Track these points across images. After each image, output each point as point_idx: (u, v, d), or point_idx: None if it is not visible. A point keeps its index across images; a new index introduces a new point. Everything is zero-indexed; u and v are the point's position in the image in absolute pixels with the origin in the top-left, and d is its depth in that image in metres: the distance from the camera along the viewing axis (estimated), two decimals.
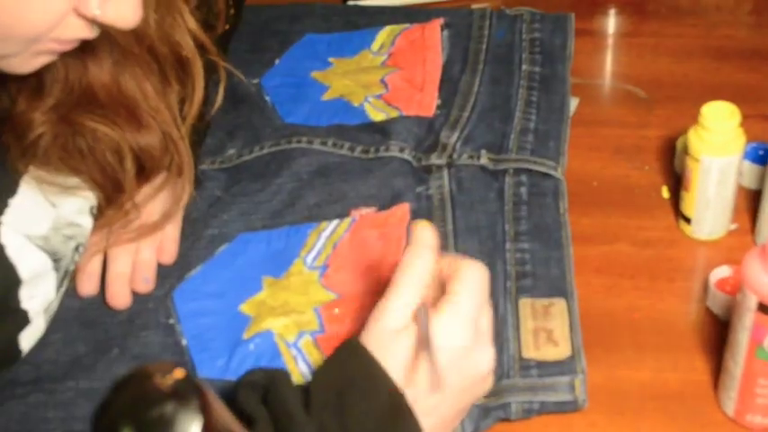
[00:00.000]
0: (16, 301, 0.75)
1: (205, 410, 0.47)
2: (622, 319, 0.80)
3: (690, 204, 0.85)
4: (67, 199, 0.80)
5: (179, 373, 0.48)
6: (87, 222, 0.82)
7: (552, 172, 0.92)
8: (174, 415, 0.46)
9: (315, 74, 1.07)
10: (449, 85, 1.03)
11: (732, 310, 0.70)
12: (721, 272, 0.81)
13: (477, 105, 1.01)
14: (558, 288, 0.81)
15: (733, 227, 0.87)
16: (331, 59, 1.09)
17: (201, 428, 0.46)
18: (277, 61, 1.09)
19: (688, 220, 0.86)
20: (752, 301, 0.66)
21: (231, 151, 0.97)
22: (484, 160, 0.93)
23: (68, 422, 0.75)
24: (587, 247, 0.86)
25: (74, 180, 0.81)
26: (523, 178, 0.92)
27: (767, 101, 0.98)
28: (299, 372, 0.76)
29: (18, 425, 0.75)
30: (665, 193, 0.91)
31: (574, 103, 1.02)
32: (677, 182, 0.89)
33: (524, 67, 1.05)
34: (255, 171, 0.95)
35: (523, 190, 0.91)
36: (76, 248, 0.81)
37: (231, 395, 0.65)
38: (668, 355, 0.77)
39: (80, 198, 0.81)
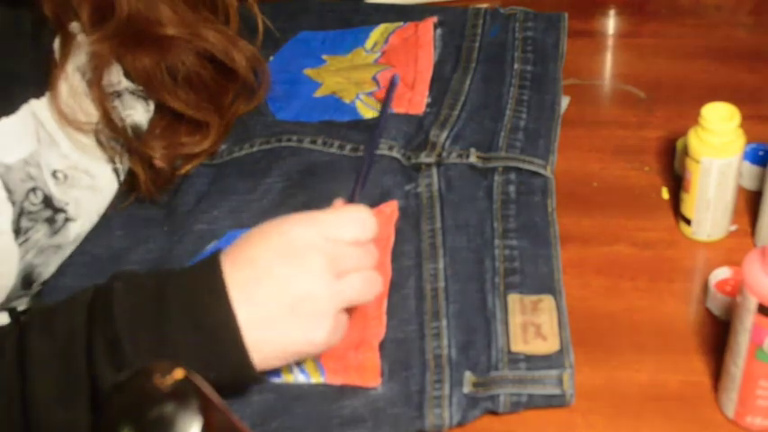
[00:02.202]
0: None
1: (205, 410, 0.47)
2: (622, 321, 0.80)
3: (690, 205, 0.85)
4: (86, 146, 0.85)
5: (179, 374, 0.48)
6: (95, 172, 0.87)
7: (541, 170, 0.92)
8: (174, 415, 0.46)
9: (308, 71, 1.07)
10: (440, 84, 1.03)
11: (732, 312, 0.70)
12: (721, 273, 0.81)
13: (468, 104, 1.01)
14: (546, 286, 0.81)
15: (733, 228, 0.87)
16: (324, 57, 1.09)
17: (201, 428, 0.46)
18: (271, 58, 1.09)
19: (688, 222, 0.86)
20: (752, 303, 0.66)
21: (222, 147, 0.97)
22: (473, 159, 0.93)
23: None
24: (587, 248, 0.86)
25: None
26: (512, 176, 0.92)
27: (767, 102, 0.98)
28: (289, 370, 0.76)
29: None
30: (665, 194, 0.91)
31: (565, 102, 1.02)
32: (677, 183, 0.89)
33: (516, 65, 1.05)
34: (245, 168, 0.95)
35: (512, 188, 0.91)
36: (32, 191, 0.80)
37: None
38: (668, 356, 0.77)
39: (101, 152, 0.86)
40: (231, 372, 0.67)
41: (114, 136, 0.87)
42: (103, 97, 0.85)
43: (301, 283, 0.68)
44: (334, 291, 0.68)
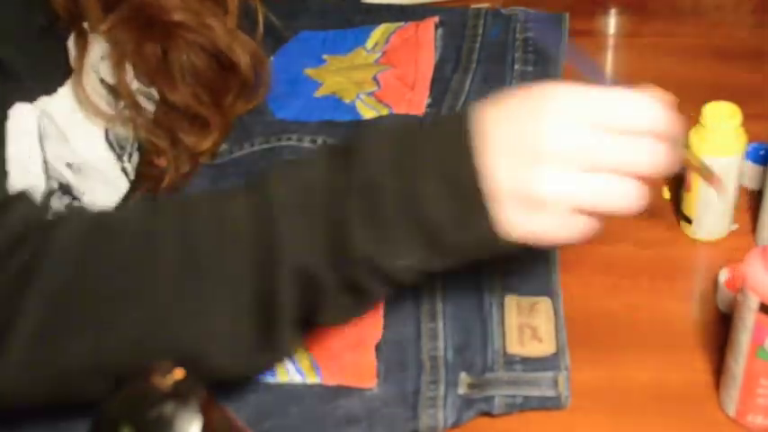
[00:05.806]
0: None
1: (205, 410, 0.47)
2: (623, 320, 0.80)
3: (691, 205, 0.85)
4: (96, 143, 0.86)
5: (179, 374, 0.48)
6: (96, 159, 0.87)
7: None
8: (174, 415, 0.46)
9: (308, 71, 1.07)
10: (440, 84, 1.03)
11: (733, 310, 0.70)
12: (727, 272, 0.80)
13: (467, 105, 1.00)
14: (543, 288, 0.81)
15: (734, 227, 0.86)
16: (325, 57, 1.09)
17: (201, 428, 0.46)
18: (272, 58, 1.09)
19: (689, 221, 0.86)
20: (753, 302, 0.66)
21: (223, 147, 0.98)
22: None
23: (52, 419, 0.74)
24: (588, 247, 0.85)
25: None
26: None
27: None
28: (285, 370, 0.77)
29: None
30: (666, 193, 0.91)
31: None
32: (678, 182, 0.89)
33: (517, 66, 1.05)
34: (245, 168, 0.95)
35: None
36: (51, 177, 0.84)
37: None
38: (670, 355, 0.77)
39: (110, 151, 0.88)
40: (477, 226, 0.64)
41: (125, 134, 0.89)
42: (127, 86, 0.87)
43: (537, 183, 0.62)
44: (567, 191, 0.63)
